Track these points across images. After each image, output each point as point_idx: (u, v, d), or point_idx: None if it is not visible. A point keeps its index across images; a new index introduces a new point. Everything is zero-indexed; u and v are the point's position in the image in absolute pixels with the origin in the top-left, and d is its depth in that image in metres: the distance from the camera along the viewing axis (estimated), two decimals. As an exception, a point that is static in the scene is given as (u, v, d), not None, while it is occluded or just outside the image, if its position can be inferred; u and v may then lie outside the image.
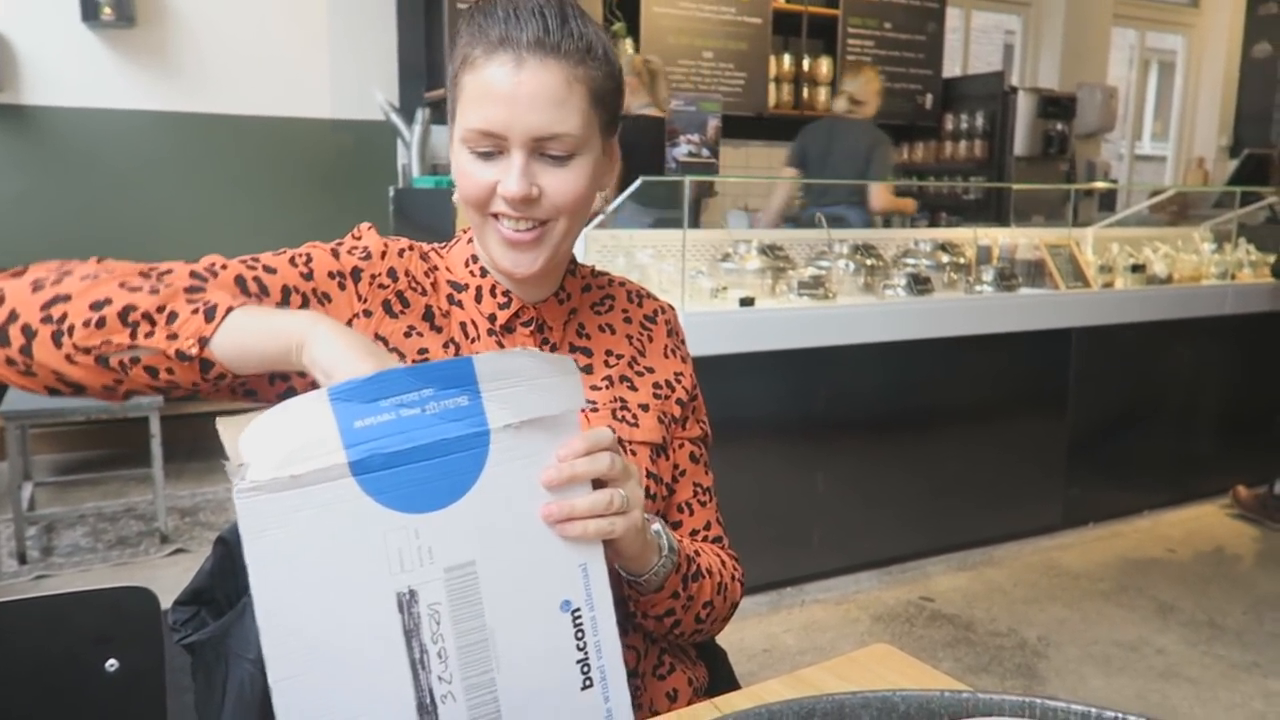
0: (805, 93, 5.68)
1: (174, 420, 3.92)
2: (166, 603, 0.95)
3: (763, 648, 2.66)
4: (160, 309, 0.77)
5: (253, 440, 0.66)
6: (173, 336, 0.76)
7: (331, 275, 0.92)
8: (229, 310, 0.77)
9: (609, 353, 1.04)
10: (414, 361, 0.94)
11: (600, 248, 2.88)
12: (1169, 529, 3.65)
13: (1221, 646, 2.72)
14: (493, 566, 0.72)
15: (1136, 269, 3.70)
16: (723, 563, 1.04)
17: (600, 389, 1.01)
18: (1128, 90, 7.70)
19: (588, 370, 1.02)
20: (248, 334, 0.77)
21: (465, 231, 1.04)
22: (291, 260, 0.91)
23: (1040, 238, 3.59)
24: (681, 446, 1.07)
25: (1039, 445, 3.48)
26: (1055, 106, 6.03)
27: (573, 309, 1.03)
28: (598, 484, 0.80)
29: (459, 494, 0.71)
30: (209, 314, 0.77)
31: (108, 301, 0.77)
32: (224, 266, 0.88)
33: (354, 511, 0.67)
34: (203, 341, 0.76)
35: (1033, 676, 2.54)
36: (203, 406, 4.06)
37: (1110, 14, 6.98)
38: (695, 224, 4.21)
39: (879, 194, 4.24)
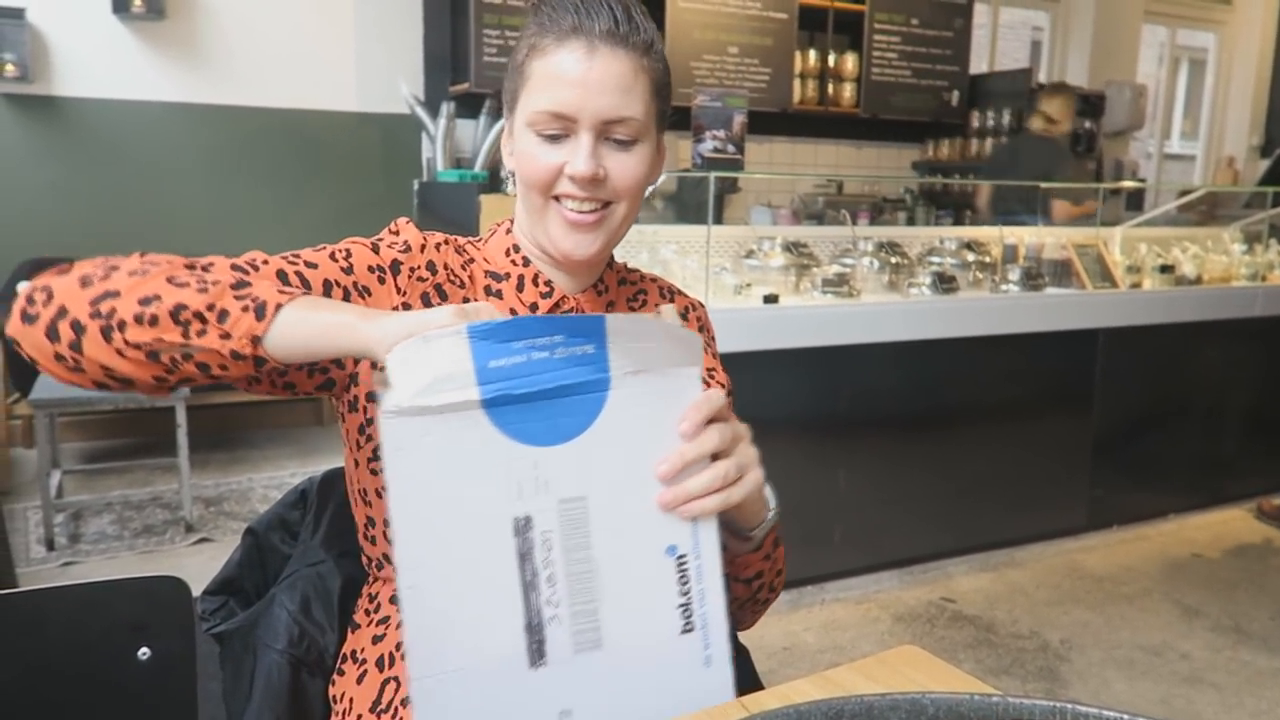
0: (830, 89, 5.65)
1: (200, 410, 3.97)
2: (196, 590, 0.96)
3: (783, 646, 2.66)
4: (210, 307, 0.77)
5: (396, 365, 0.70)
6: (225, 335, 0.77)
7: (371, 269, 0.93)
8: (278, 307, 0.78)
9: None
10: None
11: (624, 242, 2.87)
12: (1195, 532, 3.62)
13: (1248, 652, 2.69)
14: (602, 503, 0.77)
15: (1165, 269, 3.66)
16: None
17: None
18: (1157, 88, 7.62)
19: None
20: (300, 330, 0.78)
21: (500, 224, 1.05)
22: (331, 255, 0.93)
23: (1067, 237, 3.56)
24: None
25: (1064, 446, 3.45)
26: (1084, 104, 5.96)
27: (610, 301, 1.05)
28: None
29: (576, 433, 0.76)
30: (259, 311, 0.77)
31: (157, 298, 0.78)
32: (265, 262, 0.89)
33: (481, 439, 0.73)
34: (255, 340, 0.77)
35: (1055, 680, 2.52)
36: (229, 397, 4.10)
37: (1141, 10, 6.90)
38: (719, 220, 4.21)
39: (1059, 207, 4.42)
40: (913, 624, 2.82)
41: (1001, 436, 3.29)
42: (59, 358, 0.79)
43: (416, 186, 4.47)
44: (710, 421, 0.81)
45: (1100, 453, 3.48)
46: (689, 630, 0.80)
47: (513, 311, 0.99)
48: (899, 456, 3.12)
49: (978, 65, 6.34)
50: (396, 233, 0.99)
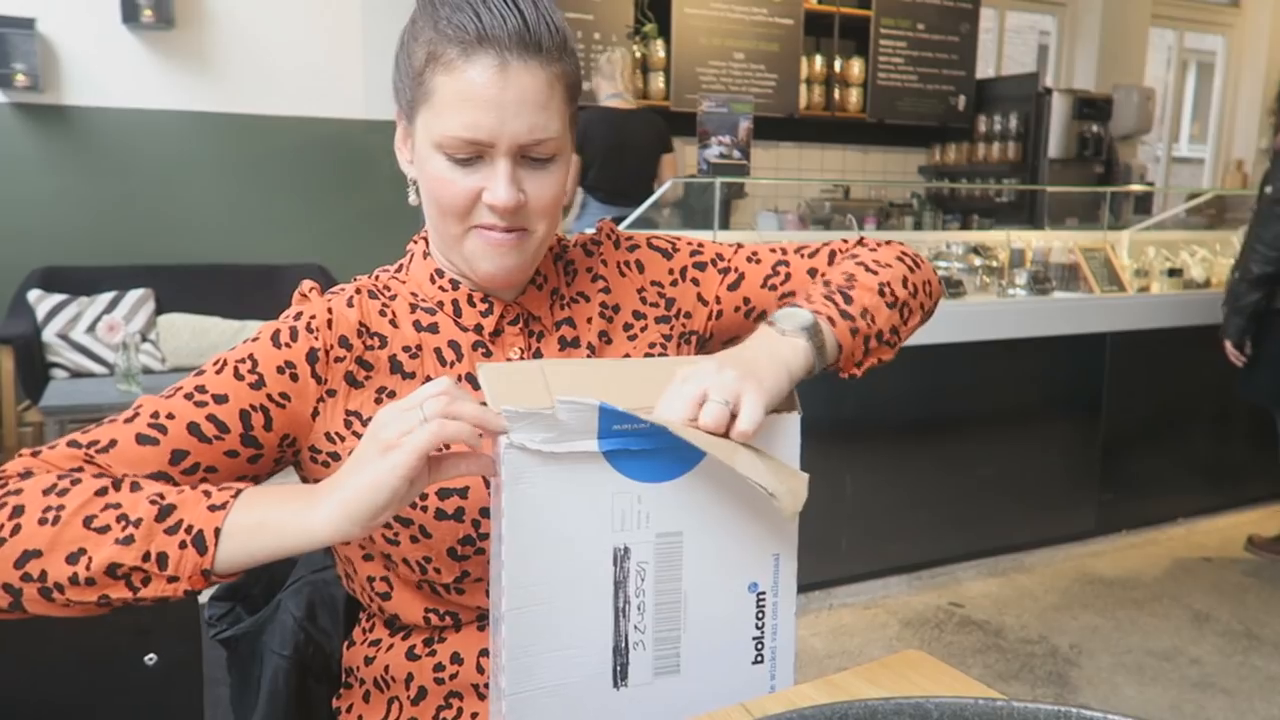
0: (837, 94, 5.65)
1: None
2: (201, 597, 0.97)
3: (790, 651, 2.65)
4: (146, 556, 0.72)
5: (519, 422, 0.73)
6: (174, 579, 0.72)
7: (281, 370, 0.87)
8: (217, 531, 0.72)
9: (590, 320, 1.00)
10: None
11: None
12: (1205, 537, 3.60)
13: (1259, 657, 2.67)
14: (696, 540, 0.81)
15: (1173, 273, 3.65)
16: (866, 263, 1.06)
17: (588, 355, 0.97)
18: (1165, 91, 7.59)
19: (574, 344, 0.98)
20: (247, 543, 0.73)
21: (415, 244, 0.99)
22: (235, 372, 0.86)
23: (1075, 241, 3.55)
24: (734, 289, 1.06)
25: (1072, 450, 3.43)
26: (1091, 108, 5.95)
27: (554, 289, 0.99)
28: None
29: (679, 473, 0.79)
30: (199, 545, 0.72)
31: (84, 553, 0.72)
32: (170, 416, 0.82)
33: (594, 471, 0.77)
34: (206, 574, 0.73)
35: (1064, 685, 2.51)
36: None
37: (1148, 14, 6.89)
38: (725, 225, 4.21)
39: None
40: (921, 629, 2.81)
41: (1009, 441, 3.28)
42: (5, 611, 0.74)
43: (423, 193, 4.49)
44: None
45: (1109, 457, 3.47)
46: (759, 662, 0.85)
47: (450, 345, 0.93)
48: (906, 461, 3.12)
49: (984, 70, 6.34)
50: (306, 296, 0.93)
